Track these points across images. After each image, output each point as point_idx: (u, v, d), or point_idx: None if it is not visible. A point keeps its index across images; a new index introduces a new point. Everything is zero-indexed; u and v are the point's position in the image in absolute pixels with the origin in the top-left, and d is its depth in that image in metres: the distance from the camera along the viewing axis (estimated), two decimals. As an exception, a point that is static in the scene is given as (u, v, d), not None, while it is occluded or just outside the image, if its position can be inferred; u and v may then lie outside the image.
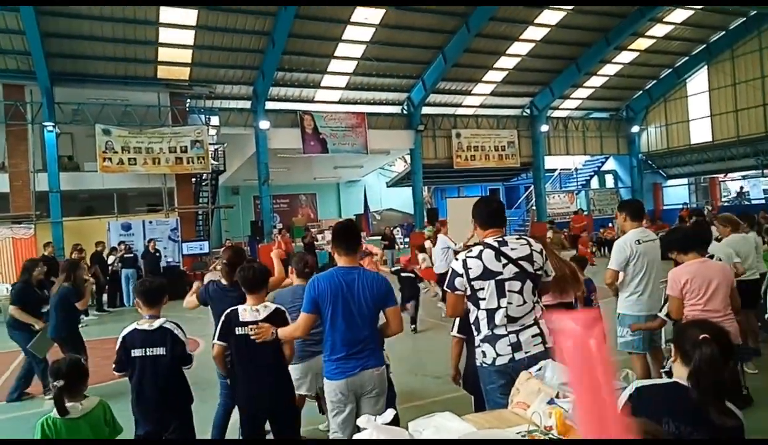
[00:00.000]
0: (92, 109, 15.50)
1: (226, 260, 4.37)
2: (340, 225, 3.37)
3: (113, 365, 3.51)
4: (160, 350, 3.42)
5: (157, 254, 14.45)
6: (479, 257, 3.00)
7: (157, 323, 3.48)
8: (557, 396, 2.35)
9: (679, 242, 4.16)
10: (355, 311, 3.10)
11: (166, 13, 14.44)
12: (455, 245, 9.97)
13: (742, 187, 24.89)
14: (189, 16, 14.69)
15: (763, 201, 23.48)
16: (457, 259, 3.11)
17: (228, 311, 3.57)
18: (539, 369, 2.64)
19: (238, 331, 3.49)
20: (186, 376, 3.65)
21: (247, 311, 3.52)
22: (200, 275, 14.86)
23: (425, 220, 20.53)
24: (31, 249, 13.90)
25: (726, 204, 24.22)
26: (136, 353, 3.43)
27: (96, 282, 12.66)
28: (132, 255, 13.98)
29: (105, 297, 13.58)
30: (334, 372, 3.12)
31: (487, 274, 2.96)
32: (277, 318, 3.52)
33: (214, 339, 3.57)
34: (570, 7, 17.50)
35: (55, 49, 14.51)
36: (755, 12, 20.03)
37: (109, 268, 13.64)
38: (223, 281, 4.30)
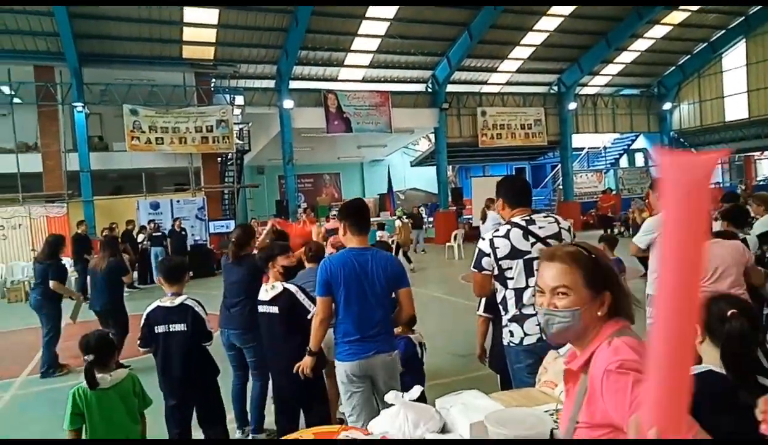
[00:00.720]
0: (120, 89, 15.71)
1: (234, 238, 4.56)
2: (351, 205, 3.30)
3: (138, 342, 3.61)
4: (181, 326, 3.51)
5: (183, 233, 14.72)
6: (506, 236, 2.96)
7: (178, 300, 3.56)
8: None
9: None
10: (369, 292, 3.04)
11: (191, -8, 14.46)
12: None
13: (778, 166, 24.09)
14: (213, -6, 14.69)
15: (802, 180, 22.70)
16: (483, 238, 3.06)
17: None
18: (567, 350, 2.61)
19: (260, 309, 3.65)
20: (210, 352, 3.73)
21: (262, 292, 3.66)
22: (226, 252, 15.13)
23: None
24: (64, 227, 14.29)
25: (762, 183, 23.47)
26: (159, 329, 3.53)
27: (129, 259, 12.99)
28: (160, 233, 14.25)
29: (135, 274, 13.91)
30: (346, 353, 3.07)
31: (515, 253, 2.93)
32: (282, 301, 3.55)
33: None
34: (601, -20, 16.95)
35: (83, 30, 14.68)
36: (798, -19, 19.11)
37: (139, 246, 13.95)
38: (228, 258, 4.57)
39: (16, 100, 15.18)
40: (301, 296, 3.55)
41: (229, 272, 4.49)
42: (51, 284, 6.39)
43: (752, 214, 6.27)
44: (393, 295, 3.15)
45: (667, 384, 0.94)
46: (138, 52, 16.07)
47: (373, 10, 16.41)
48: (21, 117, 15.10)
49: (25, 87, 15.11)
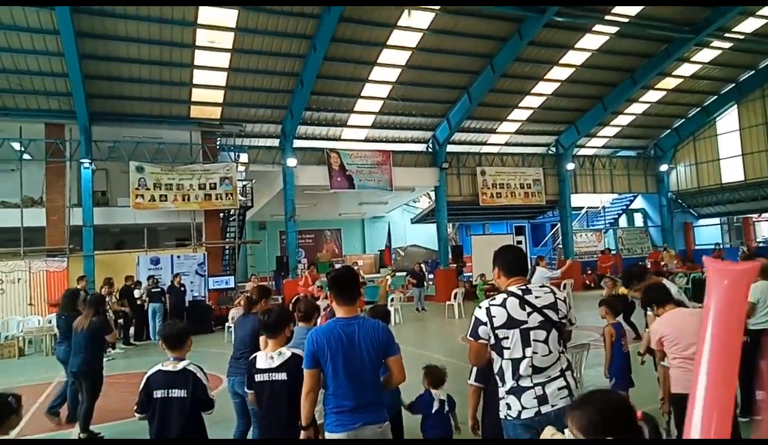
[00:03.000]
0: (127, 146, 16.08)
1: (249, 295, 5.31)
2: (337, 273, 3.31)
3: (135, 407, 3.54)
4: (182, 392, 3.45)
5: (183, 289, 14.69)
6: (503, 305, 2.95)
7: (180, 365, 3.53)
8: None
9: (657, 297, 4.30)
10: (357, 363, 3.03)
11: (201, 56, 15.04)
12: (552, 272, 10.88)
13: (777, 228, 24.22)
14: (222, 58, 15.28)
15: (800, 242, 22.77)
16: (480, 307, 3.04)
17: (252, 357, 3.64)
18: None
19: (257, 378, 3.53)
20: (204, 421, 3.65)
21: (263, 359, 3.54)
22: (225, 309, 15.04)
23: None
24: (63, 282, 14.29)
25: (762, 245, 23.52)
26: (158, 394, 3.47)
27: (124, 316, 12.91)
28: (159, 289, 14.22)
29: (132, 330, 13.78)
30: (335, 425, 3.04)
31: (511, 322, 2.91)
32: (290, 366, 3.45)
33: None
34: (595, 48, 17.61)
35: (95, 90, 15.17)
36: (785, 51, 19.84)
37: (137, 301, 13.89)
38: (240, 311, 5.26)
39: (25, 156, 15.54)
40: None
41: (240, 325, 5.08)
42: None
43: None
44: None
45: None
46: (147, 112, 16.55)
47: (376, 74, 17.00)
48: (28, 172, 15.42)
49: (35, 143, 15.48)
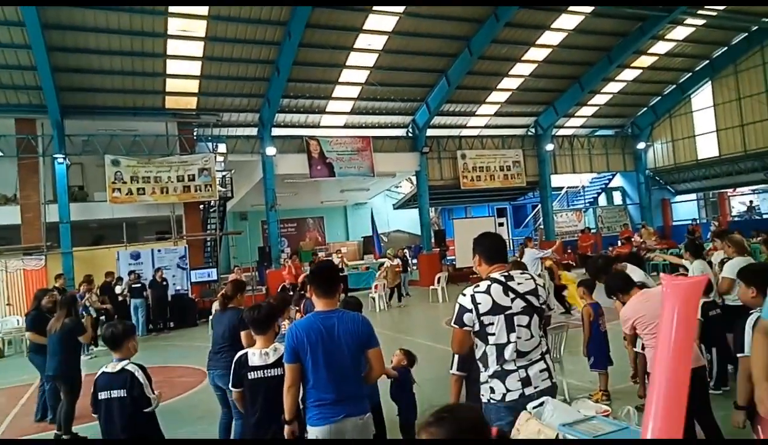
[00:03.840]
0: (102, 140, 15.77)
1: (224, 292, 5.23)
2: (318, 268, 3.32)
3: (91, 408, 3.67)
4: (121, 392, 3.52)
5: (165, 284, 14.56)
6: (488, 291, 3.00)
7: (120, 366, 3.59)
8: (557, 438, 2.34)
9: (620, 286, 4.43)
10: (338, 358, 3.05)
11: (174, 45, 14.75)
12: (542, 253, 12.08)
13: (752, 202, 24.70)
14: (196, 47, 15.00)
15: (774, 215, 23.29)
16: (464, 294, 3.07)
17: (239, 355, 3.60)
18: (538, 404, 2.62)
19: (251, 376, 3.52)
20: (157, 419, 3.69)
21: (256, 355, 3.52)
22: (209, 302, 14.95)
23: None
24: (42, 280, 14.03)
25: (737, 219, 24.01)
26: (102, 395, 3.55)
27: (106, 313, 12.77)
28: (140, 284, 14.07)
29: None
30: (316, 418, 3.06)
31: (496, 308, 2.97)
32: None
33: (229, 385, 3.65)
34: (571, 28, 17.65)
35: (66, 83, 14.82)
36: (756, 28, 20.09)
37: (119, 297, 13.74)
38: (218, 307, 5.29)
39: (-5, 153, 15.16)
40: None
41: (217, 321, 5.22)
42: (27, 334, 6.61)
43: (723, 257, 6.48)
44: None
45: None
46: (121, 104, 16.23)
47: (353, 59, 16.86)
48: (1, 169, 15.05)
49: (5, 140, 15.11)
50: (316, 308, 3.21)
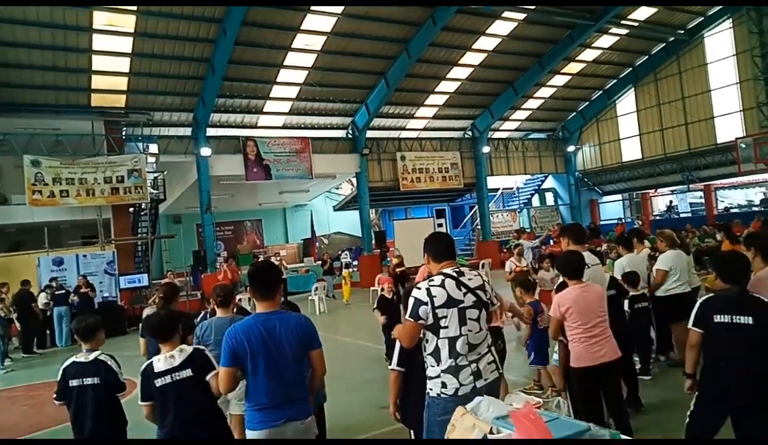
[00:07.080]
0: (20, 139, 14.76)
1: (162, 294, 5.13)
2: (257, 267, 3.23)
3: (54, 395, 3.82)
4: (95, 380, 3.71)
5: (91, 290, 13.76)
6: (442, 285, 3.06)
7: (92, 356, 3.78)
8: (491, 432, 2.37)
9: (574, 270, 4.32)
10: (280, 360, 2.97)
11: (100, 41, 14.02)
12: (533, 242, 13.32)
13: (671, 202, 26.34)
14: (124, 43, 14.33)
15: (690, 215, 24.94)
16: (419, 288, 3.11)
17: (144, 366, 3.38)
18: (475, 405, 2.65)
19: (158, 382, 3.28)
20: (123, 408, 3.88)
21: (161, 361, 3.33)
22: (139, 309, 14.28)
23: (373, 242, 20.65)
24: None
25: (658, 218, 25.54)
26: (74, 383, 3.72)
27: (21, 323, 11.96)
28: (64, 291, 13.23)
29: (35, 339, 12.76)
30: (256, 422, 2.97)
31: (450, 302, 3.03)
32: (194, 361, 3.32)
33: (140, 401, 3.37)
34: (505, 34, 18.21)
35: (-22, 77, 13.78)
36: (673, 39, 21.49)
37: (40, 306, 12.84)
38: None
39: None
40: (208, 353, 3.46)
41: None
42: None
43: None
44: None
45: None
46: (42, 100, 15.25)
47: (291, 59, 16.64)
48: None
49: None
50: (257, 309, 3.09)
